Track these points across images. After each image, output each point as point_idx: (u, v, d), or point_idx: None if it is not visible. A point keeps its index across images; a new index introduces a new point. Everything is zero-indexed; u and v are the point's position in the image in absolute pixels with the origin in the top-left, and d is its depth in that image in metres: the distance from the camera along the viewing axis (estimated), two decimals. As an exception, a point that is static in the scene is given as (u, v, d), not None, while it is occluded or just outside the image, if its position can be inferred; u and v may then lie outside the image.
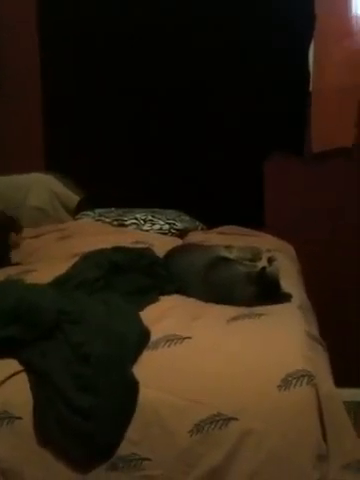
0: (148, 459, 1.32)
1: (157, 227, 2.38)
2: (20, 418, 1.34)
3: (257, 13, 2.65)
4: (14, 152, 2.79)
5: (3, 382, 1.35)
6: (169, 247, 2.08)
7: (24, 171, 2.64)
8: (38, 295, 1.50)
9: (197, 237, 2.37)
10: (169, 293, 1.77)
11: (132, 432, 1.32)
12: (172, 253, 1.97)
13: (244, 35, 2.65)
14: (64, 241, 2.27)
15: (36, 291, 1.55)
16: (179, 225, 2.43)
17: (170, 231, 2.38)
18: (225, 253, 1.87)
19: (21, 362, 1.39)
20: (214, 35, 2.64)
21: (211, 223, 2.66)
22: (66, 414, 1.34)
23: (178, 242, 2.27)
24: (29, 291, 1.54)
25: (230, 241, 2.25)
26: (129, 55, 2.68)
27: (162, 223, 2.40)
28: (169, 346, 1.42)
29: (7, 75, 2.75)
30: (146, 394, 1.32)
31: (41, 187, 2.55)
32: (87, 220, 2.49)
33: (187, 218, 2.56)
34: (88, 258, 1.87)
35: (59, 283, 1.72)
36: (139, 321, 1.50)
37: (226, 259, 1.83)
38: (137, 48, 2.67)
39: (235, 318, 1.56)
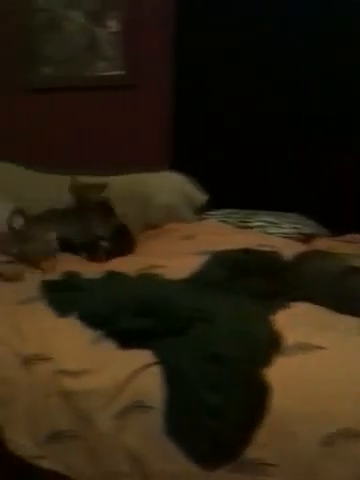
0: (274, 465, 1.31)
1: (283, 231, 2.35)
2: (153, 408, 1.39)
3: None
4: (142, 151, 2.88)
5: (139, 372, 1.42)
6: (293, 252, 2.05)
7: (150, 170, 2.72)
8: (174, 291, 1.55)
9: (323, 244, 2.30)
10: (297, 299, 1.74)
11: (260, 436, 1.32)
12: (301, 259, 1.94)
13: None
14: (189, 240, 2.31)
15: (172, 287, 1.60)
16: (305, 230, 2.38)
17: (295, 236, 2.34)
18: (357, 263, 1.81)
19: (155, 354, 1.44)
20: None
21: (332, 229, 2.58)
22: (195, 410, 1.37)
23: (301, 247, 2.22)
24: (165, 286, 1.59)
25: (358, 250, 2.18)
26: (274, 60, 2.66)
27: (287, 227, 2.37)
28: (302, 354, 1.40)
29: (143, 76, 2.84)
30: (277, 399, 1.32)
31: (171, 186, 2.61)
32: (211, 220, 2.52)
33: (311, 223, 2.50)
34: (218, 258, 1.89)
35: (191, 281, 1.76)
36: (272, 326, 1.49)
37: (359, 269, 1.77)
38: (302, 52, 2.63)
39: (369, 331, 1.51)
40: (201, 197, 2.63)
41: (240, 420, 1.34)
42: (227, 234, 2.34)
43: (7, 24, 2.97)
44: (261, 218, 2.43)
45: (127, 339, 1.48)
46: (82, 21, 2.93)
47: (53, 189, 2.71)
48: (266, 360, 1.38)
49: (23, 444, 1.50)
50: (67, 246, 2.25)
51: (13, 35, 2.98)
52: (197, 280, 1.77)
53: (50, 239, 2.18)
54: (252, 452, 1.32)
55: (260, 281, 1.80)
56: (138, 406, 1.40)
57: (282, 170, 2.72)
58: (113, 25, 2.92)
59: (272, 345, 1.42)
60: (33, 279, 1.94)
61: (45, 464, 1.48)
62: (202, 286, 1.72)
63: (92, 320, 1.58)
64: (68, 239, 2.26)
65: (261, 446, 1.32)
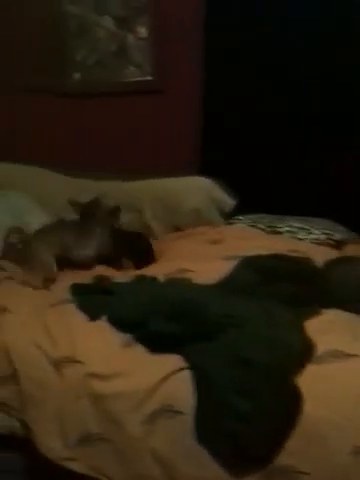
0: (306, 473, 1.30)
1: (313, 236, 2.31)
2: (182, 413, 1.39)
3: None
4: (170, 156, 2.88)
5: (169, 377, 1.41)
6: (324, 258, 2.02)
7: (178, 175, 2.72)
8: (204, 296, 1.54)
9: (354, 249, 2.27)
10: (328, 306, 1.72)
11: (292, 443, 1.31)
12: (331, 265, 1.91)
13: None
14: (217, 244, 2.29)
15: (203, 291, 1.59)
16: (336, 236, 2.34)
17: (326, 241, 2.31)
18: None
19: (185, 359, 1.44)
20: None
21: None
22: (224, 415, 1.36)
23: (333, 253, 2.19)
24: (196, 291, 1.59)
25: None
26: (293, 71, 2.62)
27: (318, 233, 2.33)
28: (334, 362, 1.38)
29: (171, 81, 2.84)
30: (309, 407, 1.31)
31: (199, 190, 2.61)
32: (240, 225, 2.50)
33: (342, 229, 2.46)
34: (247, 263, 1.88)
35: (222, 286, 1.75)
36: (304, 333, 1.47)
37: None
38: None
39: None
40: (229, 201, 2.61)
41: (269, 426, 1.33)
42: (256, 239, 2.32)
43: (38, 29, 3.01)
44: (290, 223, 2.40)
45: (157, 343, 1.48)
46: (111, 27, 2.94)
47: (81, 194, 2.75)
48: (298, 367, 1.37)
49: (53, 446, 1.51)
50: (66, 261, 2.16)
51: (44, 40, 3.03)
52: (227, 285, 1.76)
53: (47, 259, 2.11)
54: (283, 459, 1.31)
55: (291, 287, 1.78)
56: (167, 410, 1.40)
57: (314, 176, 2.68)
58: (142, 31, 2.93)
59: (304, 352, 1.40)
60: (60, 285, 1.94)
61: (75, 466, 1.49)
62: (232, 291, 1.71)
63: (122, 324, 1.58)
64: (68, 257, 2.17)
65: (293, 454, 1.31)
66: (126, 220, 2.66)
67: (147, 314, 1.56)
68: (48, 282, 1.99)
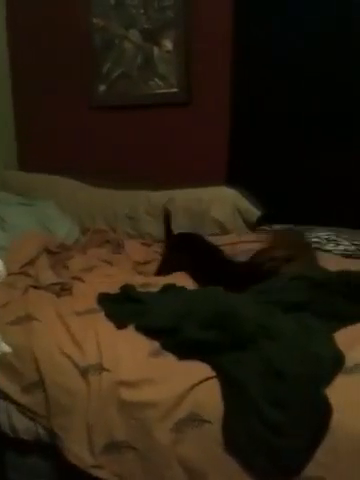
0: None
1: (341, 248, 2.28)
2: (209, 422, 1.38)
3: None
4: (197, 165, 2.90)
5: (196, 385, 1.41)
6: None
7: (205, 185, 2.73)
8: (240, 305, 1.53)
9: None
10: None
11: (321, 454, 1.29)
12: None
13: None
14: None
15: (238, 301, 1.58)
16: (365, 247, 2.32)
17: (355, 253, 2.28)
18: None
19: (214, 368, 1.44)
20: None
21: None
22: (256, 426, 1.35)
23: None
24: (232, 299, 1.58)
25: None
26: (322, 76, 2.61)
27: (347, 244, 2.29)
28: (364, 373, 1.36)
29: (199, 90, 2.86)
30: (338, 419, 1.29)
31: (224, 201, 2.61)
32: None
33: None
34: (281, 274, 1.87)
35: (258, 296, 1.73)
36: (334, 344, 1.46)
37: None
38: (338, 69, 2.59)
39: None
40: (255, 212, 2.61)
41: (301, 438, 1.31)
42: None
43: (67, 43, 3.08)
44: (318, 234, 2.37)
45: (188, 351, 1.47)
46: (138, 40, 2.98)
47: (111, 205, 2.79)
48: (329, 379, 1.36)
49: (80, 453, 1.51)
50: None
51: (73, 54, 3.09)
52: (264, 295, 1.74)
53: None
54: (312, 470, 1.29)
55: (332, 300, 1.74)
56: (195, 419, 1.39)
57: (343, 186, 2.65)
58: (168, 44, 2.97)
59: (335, 364, 1.39)
60: (83, 293, 1.96)
61: (101, 474, 1.49)
62: (269, 302, 1.70)
63: (152, 331, 1.58)
64: None
65: (322, 465, 1.29)
66: (152, 229, 2.70)
67: (179, 321, 1.56)
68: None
